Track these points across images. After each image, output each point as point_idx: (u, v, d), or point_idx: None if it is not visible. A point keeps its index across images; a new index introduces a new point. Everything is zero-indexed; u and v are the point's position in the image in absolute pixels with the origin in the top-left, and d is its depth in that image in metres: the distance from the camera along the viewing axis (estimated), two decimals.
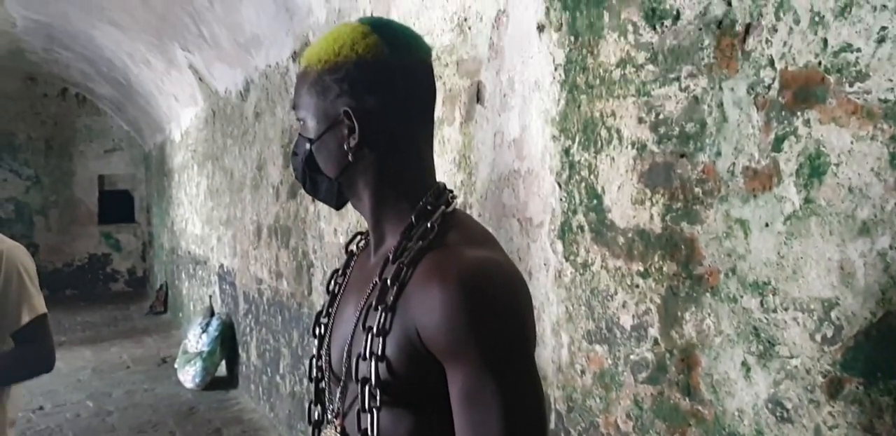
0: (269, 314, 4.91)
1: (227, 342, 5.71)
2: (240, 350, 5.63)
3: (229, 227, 6.02)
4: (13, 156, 11.67)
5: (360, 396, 0.94)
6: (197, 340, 5.84)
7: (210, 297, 6.68)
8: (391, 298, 0.94)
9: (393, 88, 0.98)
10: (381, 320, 0.93)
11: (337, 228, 3.67)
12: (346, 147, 1.00)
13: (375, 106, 0.98)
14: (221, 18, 5.06)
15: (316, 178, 1.07)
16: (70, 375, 6.39)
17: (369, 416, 0.94)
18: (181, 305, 8.68)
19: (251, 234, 5.33)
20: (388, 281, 0.95)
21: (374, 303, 0.95)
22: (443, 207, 1.00)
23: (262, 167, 5.08)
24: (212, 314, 6.39)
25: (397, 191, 1.02)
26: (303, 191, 4.27)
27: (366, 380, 0.94)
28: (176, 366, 6.00)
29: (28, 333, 2.10)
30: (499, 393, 0.84)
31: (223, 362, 5.80)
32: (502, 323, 0.87)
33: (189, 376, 5.64)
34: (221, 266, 6.28)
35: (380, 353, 0.93)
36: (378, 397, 0.93)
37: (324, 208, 3.87)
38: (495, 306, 0.87)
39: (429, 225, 0.97)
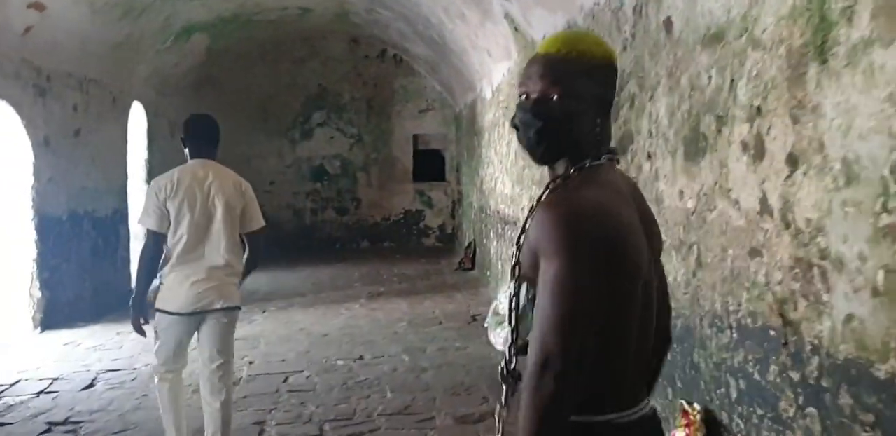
0: None
1: None
2: None
3: (542, 187, 5.67)
4: (339, 115, 12.61)
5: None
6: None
7: None
8: (523, 224, 1.47)
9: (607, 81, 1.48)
10: (518, 237, 1.47)
11: (684, 189, 3.05)
12: None
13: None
14: None
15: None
16: (388, 326, 6.61)
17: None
18: (489, 263, 8.67)
19: None
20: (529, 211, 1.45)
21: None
22: (587, 161, 1.45)
23: None
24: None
25: (573, 154, 1.47)
26: (633, 147, 3.67)
27: (512, 267, 1.49)
28: (486, 326, 5.84)
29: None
30: (552, 277, 1.29)
31: None
32: (559, 233, 1.29)
33: (500, 338, 5.38)
34: None
35: (514, 260, 1.48)
36: (518, 279, 1.48)
37: (665, 167, 3.28)
38: (558, 223, 1.30)
39: (566, 175, 1.47)
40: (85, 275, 7.21)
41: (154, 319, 3.38)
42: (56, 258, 6.63)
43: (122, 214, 8.33)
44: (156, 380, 3.52)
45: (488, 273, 8.69)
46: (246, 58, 11.93)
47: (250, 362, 5.45)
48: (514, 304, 1.46)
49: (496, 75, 7.94)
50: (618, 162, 1.50)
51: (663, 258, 1.70)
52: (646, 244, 1.41)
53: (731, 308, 2.66)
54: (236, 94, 12.22)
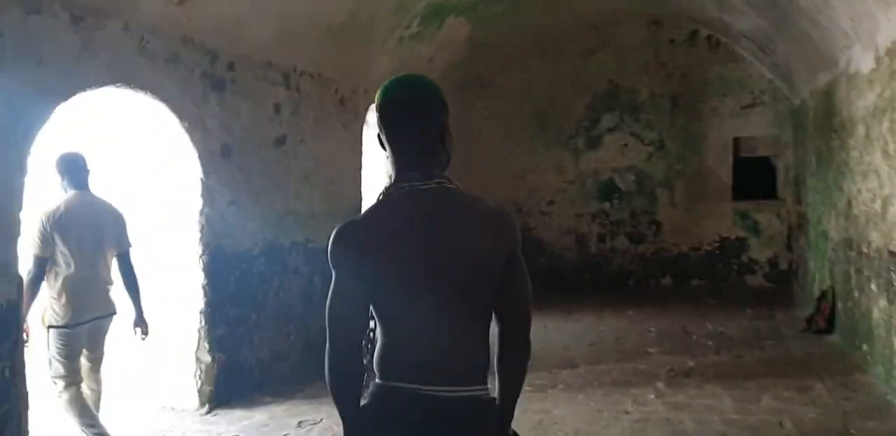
0: None
1: None
2: None
3: None
4: (635, 116, 9.98)
5: None
6: None
7: None
8: None
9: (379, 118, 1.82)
10: None
11: None
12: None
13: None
14: None
15: None
16: None
17: None
18: (862, 329, 5.49)
19: None
20: None
21: None
22: (380, 193, 1.81)
23: None
24: None
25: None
26: None
27: None
28: None
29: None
30: None
31: None
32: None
33: None
34: None
35: None
36: None
37: None
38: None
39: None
40: (289, 327, 5.52)
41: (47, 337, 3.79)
42: (238, 308, 4.99)
43: None
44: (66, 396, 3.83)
45: (864, 347, 5.50)
46: (519, 52, 9.87)
47: None
48: None
49: (885, 30, 4.85)
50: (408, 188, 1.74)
51: None
52: (418, 251, 1.68)
53: None
54: (508, 98, 10.22)
